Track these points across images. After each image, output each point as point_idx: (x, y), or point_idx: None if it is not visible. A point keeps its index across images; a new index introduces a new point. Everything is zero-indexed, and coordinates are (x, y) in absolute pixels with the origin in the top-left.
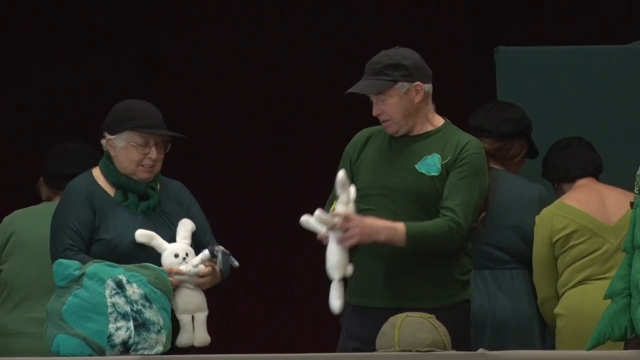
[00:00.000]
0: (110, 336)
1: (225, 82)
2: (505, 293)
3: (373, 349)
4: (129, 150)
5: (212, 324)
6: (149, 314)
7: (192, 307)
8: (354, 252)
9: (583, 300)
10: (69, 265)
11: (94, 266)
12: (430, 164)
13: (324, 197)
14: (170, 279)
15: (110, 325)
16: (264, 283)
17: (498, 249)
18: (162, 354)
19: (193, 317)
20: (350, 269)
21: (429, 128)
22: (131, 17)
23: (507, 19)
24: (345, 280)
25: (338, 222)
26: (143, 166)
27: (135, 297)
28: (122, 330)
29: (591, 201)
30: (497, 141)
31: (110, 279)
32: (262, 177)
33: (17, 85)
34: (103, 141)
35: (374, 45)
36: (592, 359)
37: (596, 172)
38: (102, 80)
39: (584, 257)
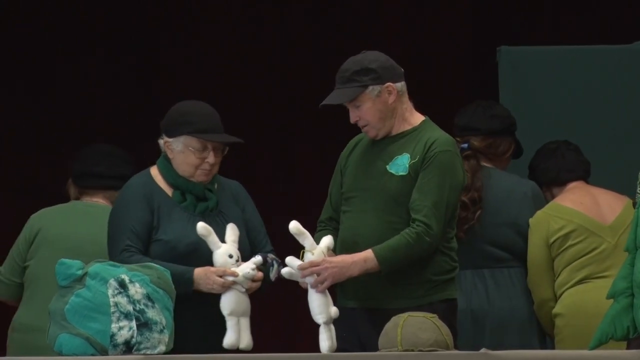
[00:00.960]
0: (112, 336)
1: (225, 82)
2: (504, 292)
3: (349, 348)
4: (186, 154)
5: None
6: (152, 313)
7: (240, 311)
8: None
9: (583, 299)
10: (71, 265)
11: (96, 266)
12: (399, 164)
13: (323, 197)
14: (221, 279)
15: (113, 325)
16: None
17: (495, 247)
18: (164, 353)
19: (238, 320)
20: (334, 310)
21: (406, 127)
22: (131, 17)
23: (508, 19)
24: (333, 322)
25: (303, 272)
26: (201, 170)
27: (137, 296)
28: (124, 330)
29: (585, 201)
30: (487, 138)
31: (112, 279)
32: (262, 177)
33: (18, 86)
34: (161, 142)
35: (374, 45)
36: (594, 358)
37: (586, 176)
38: (102, 80)
39: (582, 256)
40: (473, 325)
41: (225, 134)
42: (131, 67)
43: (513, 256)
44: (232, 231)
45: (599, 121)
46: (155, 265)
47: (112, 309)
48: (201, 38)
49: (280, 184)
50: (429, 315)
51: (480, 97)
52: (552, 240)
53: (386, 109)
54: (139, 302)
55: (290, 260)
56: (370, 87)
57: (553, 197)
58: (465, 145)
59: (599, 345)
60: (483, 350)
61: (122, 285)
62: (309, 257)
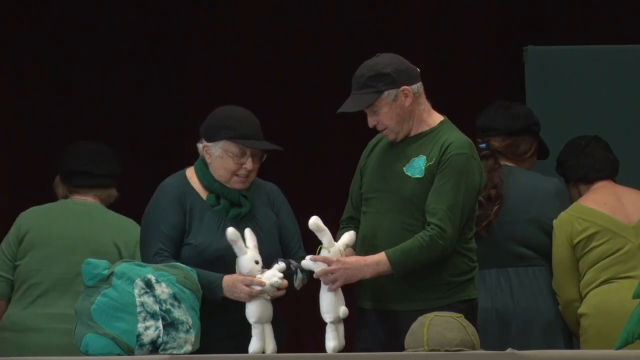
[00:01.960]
0: (139, 335)
1: (249, 83)
2: (529, 291)
3: (370, 348)
4: (224, 160)
5: None
6: (178, 313)
7: (265, 318)
8: None
9: (608, 299)
10: (98, 265)
11: (123, 265)
12: (416, 167)
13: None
14: (249, 288)
15: (139, 325)
16: None
17: (519, 245)
18: (190, 353)
19: (263, 328)
20: (343, 310)
21: (424, 128)
22: (159, 21)
23: (535, 18)
24: (342, 322)
25: (317, 272)
26: (238, 176)
27: (164, 296)
28: (151, 330)
29: (609, 202)
30: (506, 138)
31: (139, 279)
32: (288, 174)
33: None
34: (199, 145)
35: (400, 45)
36: (620, 358)
37: (613, 175)
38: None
39: (606, 257)
40: (498, 324)
41: (264, 140)
42: (159, 69)
43: (538, 254)
44: (251, 236)
45: (625, 120)
46: (181, 265)
47: (139, 309)
48: (229, 41)
49: (306, 182)
50: (455, 315)
51: (506, 97)
52: (575, 241)
53: (403, 112)
54: (165, 301)
55: (306, 262)
56: (386, 92)
57: (580, 193)
58: (483, 145)
59: (625, 345)
60: (509, 350)
61: (149, 285)
62: (324, 254)
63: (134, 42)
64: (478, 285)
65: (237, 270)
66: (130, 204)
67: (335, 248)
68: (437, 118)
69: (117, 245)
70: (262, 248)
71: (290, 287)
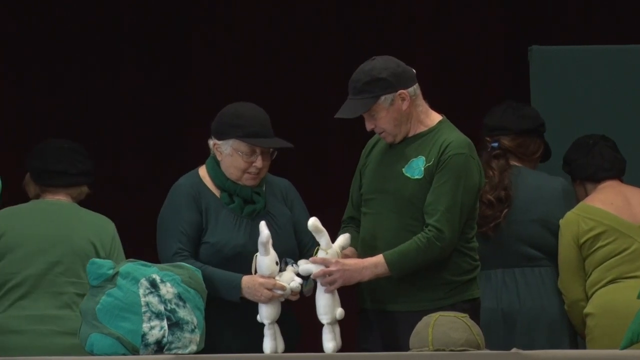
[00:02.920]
0: (144, 335)
1: (253, 82)
2: (535, 292)
3: (371, 349)
4: (234, 158)
5: None
6: (183, 313)
7: (274, 316)
8: None
9: (614, 298)
10: (103, 265)
11: (128, 265)
12: (415, 167)
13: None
14: (270, 292)
15: (144, 325)
16: None
17: (525, 244)
18: (195, 353)
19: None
20: (339, 312)
21: (422, 129)
22: (162, 19)
23: (540, 18)
24: (338, 323)
25: (315, 273)
26: (249, 173)
27: (169, 296)
28: (155, 330)
29: (616, 202)
30: (517, 137)
31: (144, 278)
32: (292, 172)
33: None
34: (210, 143)
35: (405, 45)
36: (625, 358)
37: (620, 174)
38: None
39: (612, 257)
40: (503, 324)
41: (275, 137)
42: (159, 69)
43: (544, 254)
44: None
45: (630, 120)
46: (186, 265)
47: (144, 309)
48: (232, 39)
49: (305, 182)
50: (460, 314)
51: (511, 97)
52: (582, 241)
53: (401, 115)
54: (170, 301)
55: (302, 262)
56: (383, 97)
57: (586, 192)
58: (495, 144)
59: (630, 344)
60: (514, 350)
61: (154, 284)
62: (322, 255)
63: (134, 42)
64: (484, 285)
65: (254, 268)
66: (130, 204)
67: (332, 250)
68: (435, 118)
69: (94, 244)
70: (278, 244)
71: (302, 292)
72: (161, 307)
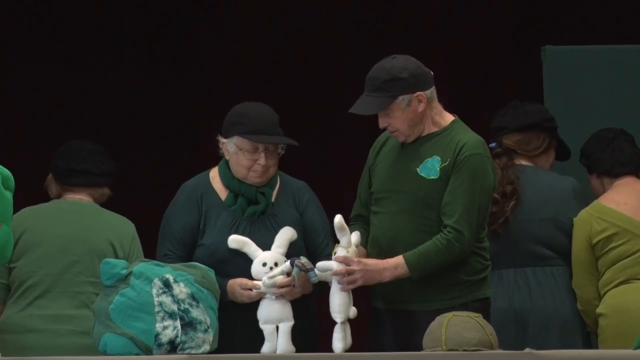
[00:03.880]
0: (157, 335)
1: (261, 82)
2: (547, 291)
3: (383, 349)
4: (238, 156)
5: None
6: (196, 313)
7: (274, 318)
8: None
9: (626, 299)
10: (116, 265)
11: (141, 265)
12: (430, 168)
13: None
14: (246, 291)
15: (157, 325)
16: None
17: (537, 244)
18: (208, 353)
19: (278, 328)
20: (353, 311)
21: (435, 129)
22: (168, 16)
23: (553, 18)
24: (349, 322)
25: (336, 270)
26: (254, 171)
27: (182, 296)
28: (169, 330)
29: (630, 201)
30: (516, 134)
31: (157, 278)
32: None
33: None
34: (220, 142)
35: (417, 44)
36: (638, 358)
37: (638, 170)
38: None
39: (625, 257)
40: (515, 324)
41: (279, 135)
42: (159, 69)
43: (555, 253)
44: (279, 235)
45: None
46: (200, 265)
47: (157, 309)
48: (232, 39)
49: (309, 180)
50: (473, 314)
51: (525, 97)
52: (594, 241)
53: (416, 116)
54: (183, 301)
55: (323, 264)
56: (400, 97)
57: (603, 187)
58: (494, 144)
59: None
60: (527, 350)
61: (167, 284)
62: (342, 253)
63: (134, 42)
64: (496, 284)
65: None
66: (130, 204)
67: (352, 249)
68: (448, 118)
69: (112, 244)
70: (266, 250)
71: (316, 288)
72: (174, 307)
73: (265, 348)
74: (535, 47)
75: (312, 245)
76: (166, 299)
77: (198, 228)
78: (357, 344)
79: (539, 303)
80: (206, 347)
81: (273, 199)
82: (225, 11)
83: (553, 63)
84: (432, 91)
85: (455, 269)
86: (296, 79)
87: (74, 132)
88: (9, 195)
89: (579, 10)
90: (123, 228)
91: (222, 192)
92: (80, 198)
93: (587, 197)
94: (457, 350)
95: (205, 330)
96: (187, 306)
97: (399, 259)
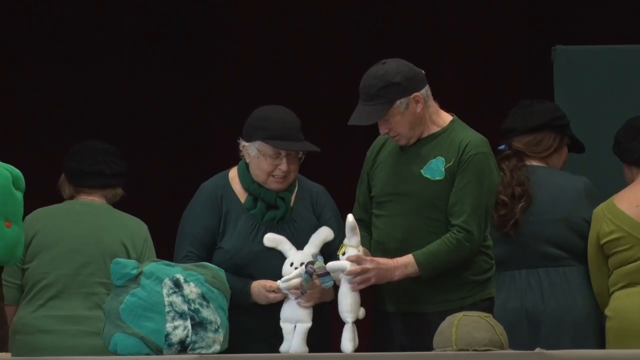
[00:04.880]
0: (167, 335)
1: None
2: (559, 292)
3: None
4: (260, 160)
5: None
6: (207, 313)
7: (293, 317)
8: None
9: (627, 302)
10: (127, 265)
11: (152, 265)
12: (435, 169)
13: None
14: (270, 293)
15: (168, 324)
16: None
17: (549, 245)
18: (219, 353)
19: (295, 327)
20: (362, 311)
21: (435, 129)
22: (155, 18)
23: (564, 18)
24: (357, 322)
25: (350, 270)
26: (274, 177)
27: (192, 296)
28: (179, 330)
29: None
30: (525, 136)
31: (167, 278)
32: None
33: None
34: (240, 145)
35: (429, 45)
36: None
37: None
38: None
39: (628, 263)
40: (527, 325)
41: (301, 141)
42: (159, 69)
43: (568, 254)
44: (314, 235)
45: None
46: (210, 265)
47: (167, 309)
48: (232, 39)
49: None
50: (484, 314)
51: (535, 97)
52: (602, 242)
53: (415, 118)
54: (193, 301)
55: (335, 264)
56: (398, 102)
57: (632, 175)
58: (503, 146)
59: None
60: (538, 350)
61: (177, 284)
62: (353, 253)
63: (134, 42)
64: (508, 285)
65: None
66: (130, 204)
67: (361, 249)
68: (446, 118)
69: (125, 245)
70: (299, 250)
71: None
72: (185, 307)
73: (284, 347)
74: (549, 47)
75: (327, 249)
76: (177, 299)
77: (218, 230)
78: (361, 345)
79: (551, 303)
80: (216, 347)
81: (292, 204)
82: (225, 11)
83: (563, 63)
84: (426, 90)
85: (464, 269)
86: (296, 79)
87: (74, 132)
88: (19, 195)
89: (590, 9)
90: (136, 229)
91: (241, 194)
92: (93, 199)
93: (599, 196)
94: (467, 350)
95: (216, 330)
96: (197, 306)
97: (408, 258)
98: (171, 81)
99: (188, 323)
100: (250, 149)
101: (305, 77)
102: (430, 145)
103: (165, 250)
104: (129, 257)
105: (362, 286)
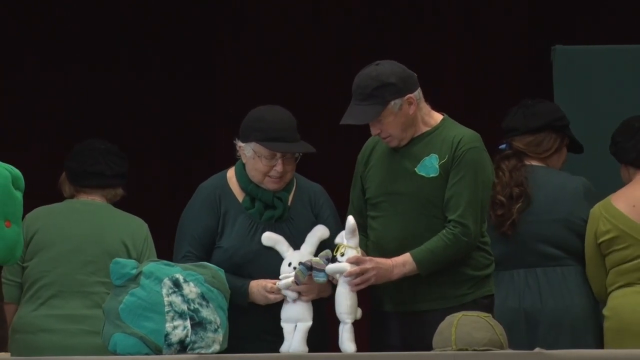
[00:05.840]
0: (167, 335)
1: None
2: (557, 291)
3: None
4: (255, 161)
5: None
6: (206, 312)
7: (293, 317)
8: None
9: (623, 302)
10: (126, 264)
11: (151, 265)
12: (429, 166)
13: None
14: (269, 294)
15: (167, 324)
16: None
17: (548, 244)
18: (218, 352)
19: (296, 327)
20: (360, 312)
21: (426, 128)
22: (154, 18)
23: (564, 18)
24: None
25: (350, 269)
26: (270, 177)
27: (192, 295)
28: (179, 329)
29: (639, 204)
30: (526, 136)
31: (167, 278)
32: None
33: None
34: (236, 145)
35: (430, 46)
36: None
37: None
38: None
39: (625, 262)
40: (525, 324)
41: (297, 142)
42: (159, 69)
43: (566, 254)
44: (310, 234)
45: None
46: (210, 264)
47: (167, 308)
48: (231, 39)
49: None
50: (483, 314)
51: (535, 97)
52: (599, 241)
53: (408, 120)
54: (193, 301)
55: (334, 267)
56: (392, 103)
57: (629, 175)
58: (503, 146)
59: None
60: (537, 349)
61: (177, 284)
62: (353, 254)
63: (134, 42)
64: (506, 285)
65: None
66: (130, 204)
67: (360, 250)
68: (437, 117)
69: (125, 244)
70: (294, 248)
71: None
72: (184, 307)
73: (284, 347)
74: (549, 47)
75: (323, 247)
76: (176, 299)
77: (217, 229)
78: (358, 344)
79: (550, 303)
80: (216, 347)
81: (289, 203)
82: (225, 11)
83: (563, 63)
84: (419, 92)
85: (463, 265)
86: (296, 79)
87: (74, 132)
88: (19, 195)
89: (590, 9)
90: (136, 228)
91: (239, 194)
92: (93, 199)
93: (598, 196)
94: (467, 350)
95: (215, 330)
96: (197, 306)
97: (406, 257)
98: (171, 81)
99: (187, 323)
100: (246, 150)
101: (305, 77)
102: (422, 144)
103: (165, 250)
104: (129, 256)
105: (362, 286)
